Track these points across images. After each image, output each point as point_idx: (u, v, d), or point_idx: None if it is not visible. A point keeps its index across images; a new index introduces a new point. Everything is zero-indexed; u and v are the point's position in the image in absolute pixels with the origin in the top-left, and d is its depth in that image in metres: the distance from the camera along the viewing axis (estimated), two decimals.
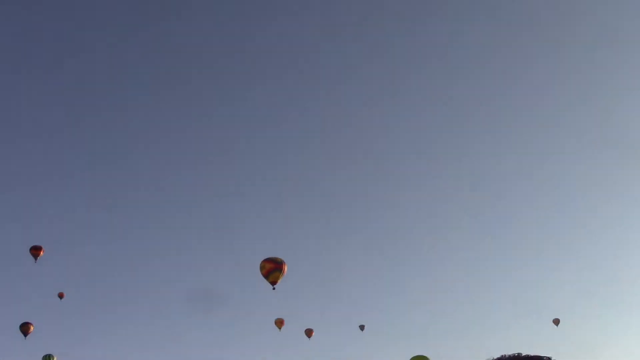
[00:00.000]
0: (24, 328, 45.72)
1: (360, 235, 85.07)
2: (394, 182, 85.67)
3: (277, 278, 37.28)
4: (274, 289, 37.36)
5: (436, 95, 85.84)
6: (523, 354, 1.38)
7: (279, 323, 48.53)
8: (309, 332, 49.93)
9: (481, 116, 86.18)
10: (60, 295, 50.54)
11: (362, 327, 53.49)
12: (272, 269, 37.25)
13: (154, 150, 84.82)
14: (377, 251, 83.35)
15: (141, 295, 79.28)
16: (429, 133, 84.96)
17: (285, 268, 37.51)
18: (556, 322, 50.62)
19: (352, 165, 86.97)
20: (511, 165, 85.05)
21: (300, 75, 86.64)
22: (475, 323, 76.70)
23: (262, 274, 37.42)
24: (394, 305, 79.27)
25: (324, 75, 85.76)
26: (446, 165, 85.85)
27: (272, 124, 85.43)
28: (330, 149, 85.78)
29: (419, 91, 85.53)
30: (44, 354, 46.31)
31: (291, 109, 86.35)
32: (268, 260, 37.62)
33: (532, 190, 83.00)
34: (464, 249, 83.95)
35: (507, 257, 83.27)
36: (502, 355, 1.29)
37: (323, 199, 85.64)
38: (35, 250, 44.64)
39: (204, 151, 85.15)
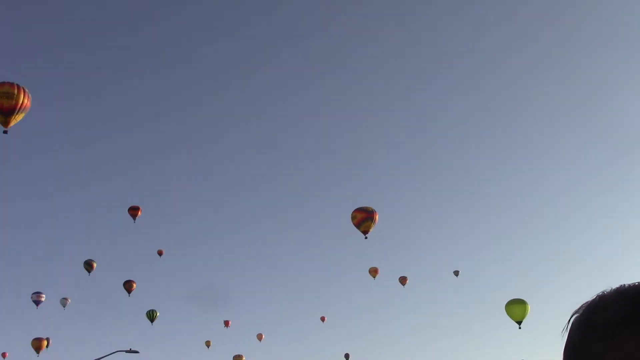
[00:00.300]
0: (127, 285, 47.37)
1: (454, 183, 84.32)
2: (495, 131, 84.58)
3: (369, 227, 37.20)
4: (366, 238, 37.38)
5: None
6: None
7: (373, 272, 48.66)
8: (403, 280, 49.89)
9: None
10: (160, 253, 52.10)
11: (456, 273, 53.13)
12: (364, 219, 37.21)
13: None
14: (472, 198, 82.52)
15: (232, 252, 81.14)
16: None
17: (377, 217, 37.36)
18: None
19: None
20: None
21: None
22: (572, 265, 75.19)
23: (353, 223, 37.43)
24: (488, 251, 78.52)
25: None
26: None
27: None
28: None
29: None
30: (147, 309, 47.99)
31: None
32: (359, 210, 37.50)
33: None
34: (560, 192, 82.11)
35: (609, 197, 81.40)
36: (621, 285, 1.05)
37: (420, 146, 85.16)
38: (133, 211, 45.71)
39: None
